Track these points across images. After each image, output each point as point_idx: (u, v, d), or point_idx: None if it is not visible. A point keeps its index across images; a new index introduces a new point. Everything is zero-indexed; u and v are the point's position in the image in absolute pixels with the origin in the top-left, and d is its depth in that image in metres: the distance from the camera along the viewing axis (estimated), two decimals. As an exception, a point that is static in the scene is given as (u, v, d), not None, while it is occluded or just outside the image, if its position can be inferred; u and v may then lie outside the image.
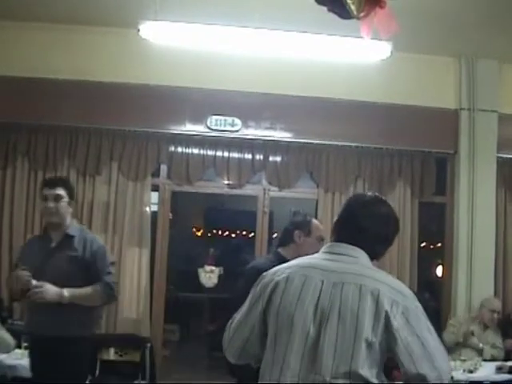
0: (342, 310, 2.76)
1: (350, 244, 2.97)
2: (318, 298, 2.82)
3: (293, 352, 2.80)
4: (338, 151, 8.37)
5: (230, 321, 3.11)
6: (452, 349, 7.43)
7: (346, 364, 2.72)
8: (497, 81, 8.46)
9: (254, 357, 3.08)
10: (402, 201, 8.44)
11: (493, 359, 7.38)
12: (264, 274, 3.07)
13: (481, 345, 7.53)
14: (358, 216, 3.03)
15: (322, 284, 2.84)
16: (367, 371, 2.74)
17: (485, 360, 7.26)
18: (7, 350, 6.47)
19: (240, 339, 3.04)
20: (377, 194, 3.22)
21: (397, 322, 2.74)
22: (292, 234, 5.05)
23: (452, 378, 5.98)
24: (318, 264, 2.95)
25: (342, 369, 2.72)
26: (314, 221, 5.16)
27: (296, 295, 2.86)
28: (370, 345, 2.73)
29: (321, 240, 4.93)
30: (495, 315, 7.81)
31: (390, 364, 3.55)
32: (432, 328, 2.84)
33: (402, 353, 2.76)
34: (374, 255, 3.02)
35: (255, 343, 3.01)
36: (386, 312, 2.74)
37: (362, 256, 2.95)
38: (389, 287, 2.81)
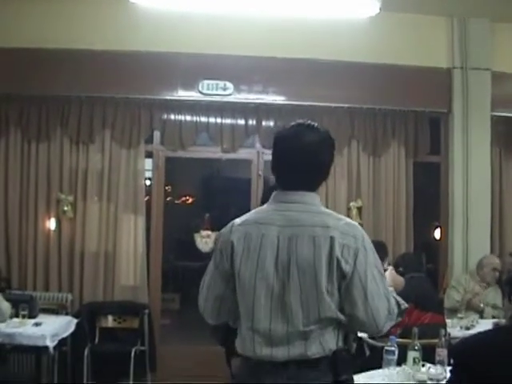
0: (300, 263, 2.84)
1: (295, 187, 2.97)
2: (277, 254, 2.88)
3: (261, 309, 2.90)
4: (331, 113, 8.29)
5: (201, 284, 3.14)
6: (453, 310, 7.46)
7: (314, 311, 2.84)
8: (489, 39, 8.37)
9: (230, 313, 3.10)
10: (396, 161, 8.44)
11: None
12: (220, 231, 3.11)
13: (482, 305, 7.53)
14: (284, 156, 3.01)
15: (278, 240, 2.89)
16: (337, 313, 2.87)
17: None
18: (3, 319, 6.47)
19: (214, 298, 3.09)
20: (302, 121, 3.10)
21: (348, 266, 2.83)
22: None
23: (449, 334, 5.96)
24: (272, 218, 2.96)
25: (312, 317, 2.84)
26: None
27: (256, 255, 2.92)
28: (330, 291, 2.84)
29: None
30: (497, 273, 7.77)
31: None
32: (380, 273, 2.91)
33: (343, 293, 2.86)
34: (317, 185, 3.03)
35: (229, 299, 3.06)
36: (338, 259, 2.82)
37: (309, 199, 2.98)
38: (340, 233, 2.85)
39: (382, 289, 2.89)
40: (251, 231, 2.96)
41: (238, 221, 3.06)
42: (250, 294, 2.93)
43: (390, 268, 3.44)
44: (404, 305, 3.03)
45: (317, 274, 2.81)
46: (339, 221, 2.92)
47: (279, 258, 2.87)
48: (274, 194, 3.05)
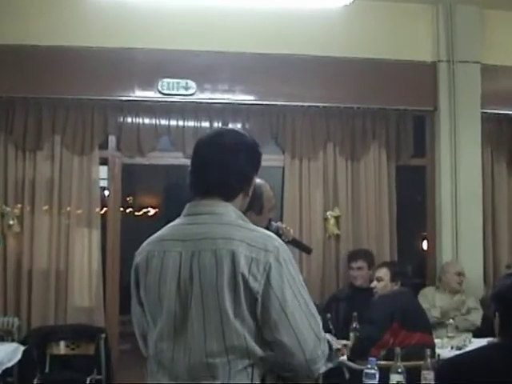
0: (203, 282, 2.60)
1: (207, 195, 2.76)
2: (179, 272, 2.66)
3: (164, 336, 2.68)
4: (305, 113, 8.08)
5: None
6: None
7: (219, 340, 2.58)
8: (478, 29, 8.20)
9: None
10: (377, 165, 8.22)
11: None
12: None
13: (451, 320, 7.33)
14: (202, 157, 2.79)
15: (181, 256, 2.67)
16: (250, 342, 2.58)
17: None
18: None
19: (137, 326, 2.92)
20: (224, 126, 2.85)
21: (257, 284, 2.55)
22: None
23: (439, 356, 5.82)
24: (177, 233, 2.75)
25: (216, 346, 2.58)
26: (265, 192, 4.39)
27: (157, 275, 2.72)
28: (238, 314, 2.56)
29: (272, 208, 4.48)
30: (462, 277, 7.73)
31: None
32: (302, 291, 2.64)
33: (260, 317, 2.57)
34: (232, 194, 2.78)
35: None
36: (243, 275, 2.55)
37: (221, 209, 2.74)
38: (247, 245, 2.59)
39: (303, 306, 2.63)
40: (154, 250, 2.77)
41: (147, 240, 2.87)
42: (154, 319, 2.73)
43: None
44: (335, 345, 2.79)
45: (219, 293, 2.56)
46: (250, 232, 2.68)
47: (182, 276, 2.65)
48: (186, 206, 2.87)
